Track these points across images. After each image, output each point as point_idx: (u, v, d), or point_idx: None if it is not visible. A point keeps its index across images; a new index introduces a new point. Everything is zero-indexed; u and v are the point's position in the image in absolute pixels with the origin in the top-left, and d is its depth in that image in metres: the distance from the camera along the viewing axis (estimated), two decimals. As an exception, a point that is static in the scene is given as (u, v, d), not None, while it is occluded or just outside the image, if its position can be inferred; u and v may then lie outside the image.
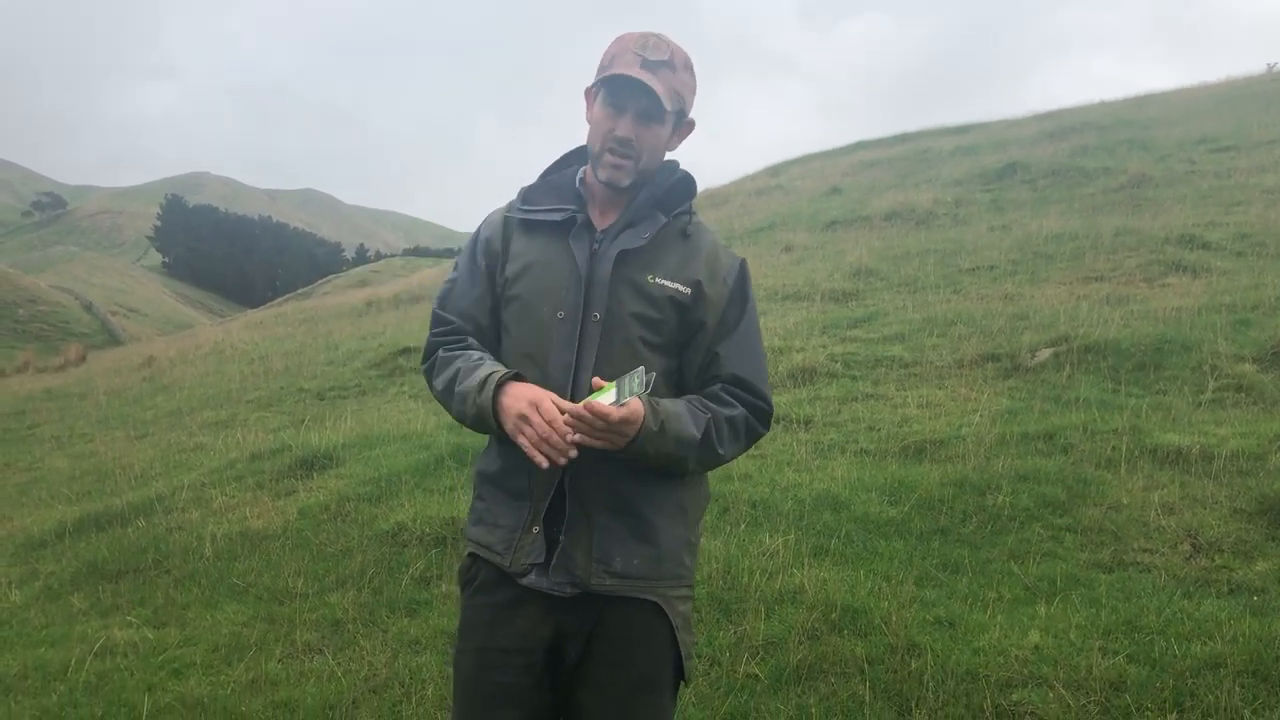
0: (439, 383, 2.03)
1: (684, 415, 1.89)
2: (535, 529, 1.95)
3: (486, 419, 1.88)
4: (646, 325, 1.95)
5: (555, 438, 1.76)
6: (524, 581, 1.95)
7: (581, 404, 1.76)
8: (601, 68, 1.97)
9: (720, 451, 1.94)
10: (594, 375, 1.88)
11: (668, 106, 1.94)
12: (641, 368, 1.80)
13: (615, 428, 1.76)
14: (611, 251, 1.97)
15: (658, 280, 1.96)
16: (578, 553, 1.92)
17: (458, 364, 1.99)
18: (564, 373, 1.94)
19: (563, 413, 1.77)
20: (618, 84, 1.92)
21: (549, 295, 1.98)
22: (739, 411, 1.97)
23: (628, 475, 1.91)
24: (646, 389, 1.77)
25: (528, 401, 1.81)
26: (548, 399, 1.80)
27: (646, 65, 1.91)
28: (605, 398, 1.78)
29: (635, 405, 1.77)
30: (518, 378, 1.90)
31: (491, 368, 1.93)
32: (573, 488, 1.92)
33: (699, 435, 1.89)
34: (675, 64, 1.94)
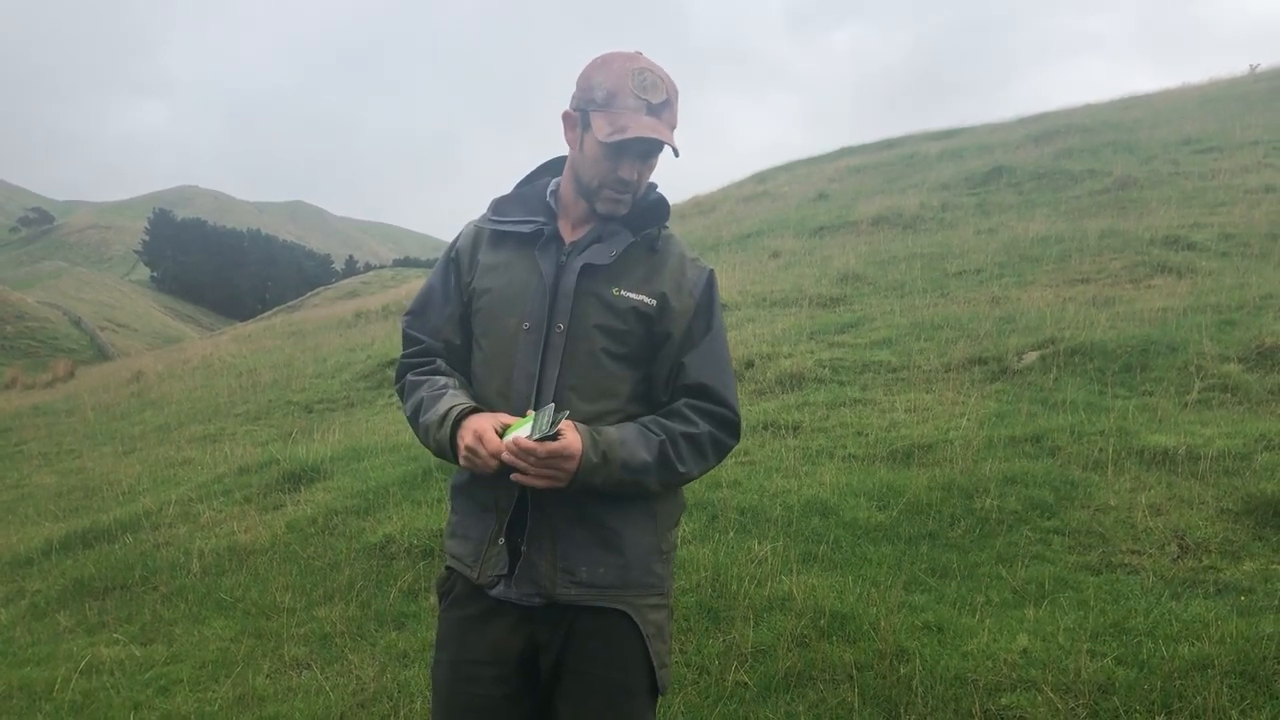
0: (407, 409, 2.06)
1: (631, 440, 1.88)
2: (500, 540, 1.95)
3: (445, 453, 1.94)
4: (611, 336, 1.96)
5: (488, 465, 1.83)
6: (493, 593, 1.96)
7: (508, 439, 1.79)
8: (593, 100, 1.92)
9: (681, 470, 1.93)
10: (556, 385, 1.91)
11: (678, 152, 1.97)
12: (552, 405, 1.82)
13: (549, 462, 1.78)
14: (577, 264, 1.97)
15: (622, 292, 1.96)
16: (542, 562, 1.92)
17: (421, 393, 2.02)
18: (528, 383, 1.95)
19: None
20: (638, 145, 1.91)
21: (514, 306, 1.99)
22: (702, 429, 1.96)
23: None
24: (551, 428, 1.77)
25: (473, 433, 1.85)
26: (489, 430, 1.84)
27: (652, 111, 1.90)
28: (523, 430, 1.80)
29: (570, 440, 1.79)
30: (475, 410, 1.93)
31: (452, 401, 1.95)
32: (536, 498, 1.92)
33: (651, 459, 1.89)
34: (671, 100, 1.94)
